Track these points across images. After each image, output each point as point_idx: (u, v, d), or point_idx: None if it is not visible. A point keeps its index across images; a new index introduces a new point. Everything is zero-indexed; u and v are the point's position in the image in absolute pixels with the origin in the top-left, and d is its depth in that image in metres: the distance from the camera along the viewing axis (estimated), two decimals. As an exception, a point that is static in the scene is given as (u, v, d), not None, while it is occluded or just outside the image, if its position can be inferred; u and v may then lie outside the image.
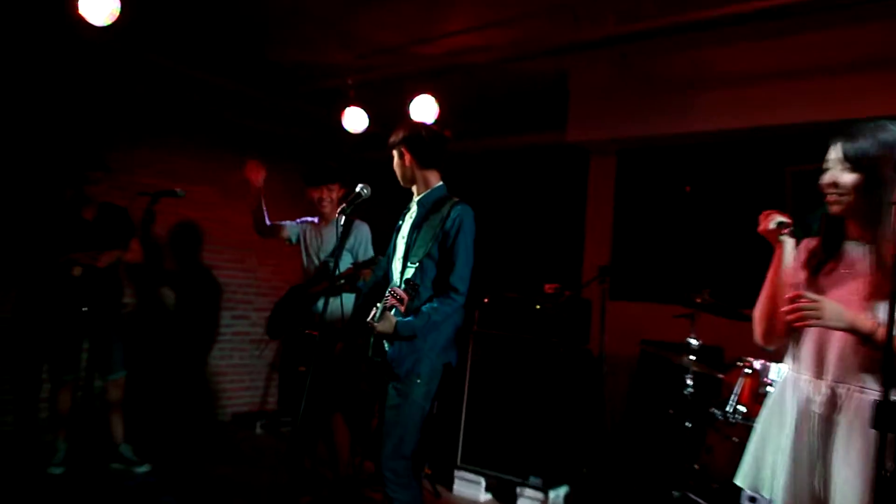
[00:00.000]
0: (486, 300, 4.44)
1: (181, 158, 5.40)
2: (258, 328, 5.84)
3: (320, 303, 3.63)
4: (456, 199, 2.66)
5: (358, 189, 2.67)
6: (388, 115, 4.88)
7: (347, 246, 3.69)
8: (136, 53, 4.72)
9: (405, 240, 2.72)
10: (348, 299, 3.60)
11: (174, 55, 4.88)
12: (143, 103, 5.12)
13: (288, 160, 5.92)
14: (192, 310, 5.41)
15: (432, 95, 4.82)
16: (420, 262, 2.56)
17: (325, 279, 3.61)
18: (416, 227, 2.68)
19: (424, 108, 4.81)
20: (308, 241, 3.95)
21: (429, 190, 2.74)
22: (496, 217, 5.67)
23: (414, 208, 2.76)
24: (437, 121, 4.71)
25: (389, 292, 2.42)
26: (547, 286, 4.52)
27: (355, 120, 5.15)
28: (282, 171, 5.18)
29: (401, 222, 2.80)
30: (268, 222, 3.97)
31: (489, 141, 5.86)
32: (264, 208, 3.94)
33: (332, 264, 3.65)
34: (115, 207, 4.22)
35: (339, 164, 3.94)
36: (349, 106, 5.11)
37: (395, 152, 2.75)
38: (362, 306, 2.78)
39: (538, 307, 4.28)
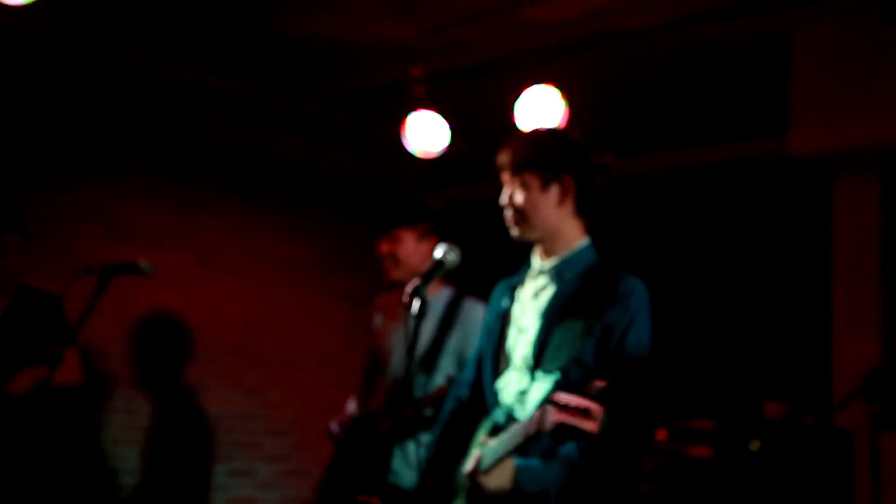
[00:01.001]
0: (660, 434, 4.65)
1: (146, 208, 5.50)
2: (272, 493, 5.85)
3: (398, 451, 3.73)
4: (621, 270, 2.64)
5: (439, 254, 2.69)
6: (477, 125, 5.14)
7: (450, 347, 3.70)
8: (76, 45, 4.99)
9: (528, 334, 2.65)
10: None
11: (134, 43, 5.14)
12: (86, 122, 5.29)
13: (313, 207, 6.06)
14: (162, 464, 5.32)
15: (554, 87, 4.79)
16: (564, 371, 2.52)
17: (402, 405, 3.67)
18: (552, 313, 2.62)
19: (542, 109, 4.79)
20: (381, 338, 3.98)
21: (571, 251, 2.69)
22: (669, 287, 5.36)
23: (539, 281, 2.71)
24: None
25: (546, 407, 2.31)
26: (769, 407, 4.56)
27: (427, 134, 5.14)
28: (306, 230, 5.18)
29: (507, 303, 2.77)
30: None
31: (645, 161, 5.89)
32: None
33: (408, 377, 3.63)
34: (39, 295, 4.32)
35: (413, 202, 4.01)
36: (415, 110, 5.13)
37: (532, 178, 2.68)
38: (441, 453, 2.83)
39: (754, 445, 4.32)
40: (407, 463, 3.59)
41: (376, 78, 5.43)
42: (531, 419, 2.40)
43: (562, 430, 2.32)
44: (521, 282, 2.77)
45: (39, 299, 4.31)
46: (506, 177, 2.72)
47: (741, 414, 4.74)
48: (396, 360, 3.87)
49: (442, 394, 3.54)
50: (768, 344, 5.59)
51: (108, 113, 5.39)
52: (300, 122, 5.91)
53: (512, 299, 2.77)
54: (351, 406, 4.03)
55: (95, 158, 5.37)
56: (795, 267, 5.62)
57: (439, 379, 3.66)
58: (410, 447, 3.59)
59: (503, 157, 2.71)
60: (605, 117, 5.32)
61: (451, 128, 5.15)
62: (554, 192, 2.65)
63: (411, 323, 2.63)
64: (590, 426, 2.26)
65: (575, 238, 2.70)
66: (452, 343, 3.73)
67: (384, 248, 3.80)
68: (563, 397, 2.29)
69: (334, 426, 3.93)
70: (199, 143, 5.75)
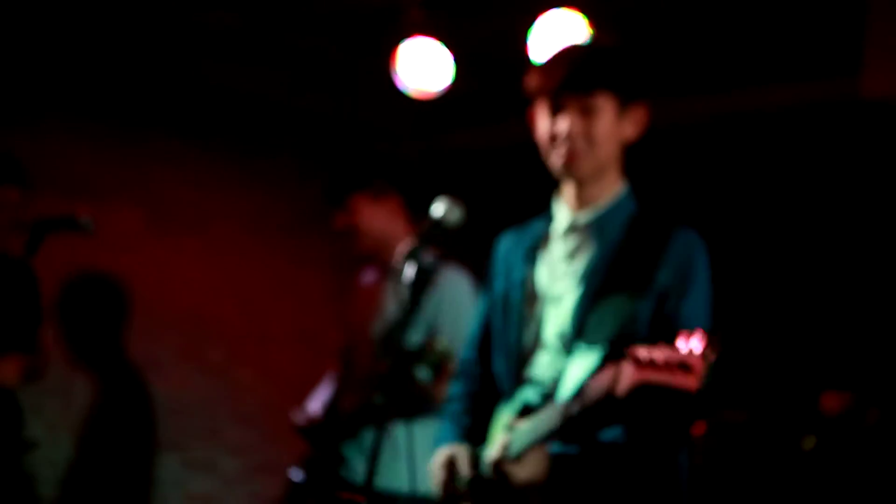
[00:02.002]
0: (699, 427, 4.66)
1: (85, 154, 5.29)
2: (236, 490, 5.72)
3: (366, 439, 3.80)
4: (672, 223, 2.63)
5: (436, 212, 2.68)
6: (483, 60, 4.99)
7: (420, 319, 3.74)
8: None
9: (564, 304, 2.61)
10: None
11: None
12: (17, 55, 5.08)
13: (287, 156, 5.97)
14: (105, 455, 5.19)
15: (577, 12, 4.65)
16: (613, 344, 2.46)
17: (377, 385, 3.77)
18: (595, 277, 2.57)
19: (561, 40, 4.48)
20: (356, 317, 4.13)
21: (611, 201, 2.63)
22: (716, 248, 5.38)
23: (572, 240, 2.64)
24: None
25: (621, 365, 2.23)
26: (827, 398, 4.60)
27: (426, 68, 4.97)
28: (278, 182, 5.18)
29: (527, 269, 2.71)
30: None
31: (686, 103, 5.59)
32: None
33: (388, 352, 3.80)
34: (8, 262, 4.22)
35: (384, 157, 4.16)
36: (411, 36, 4.92)
37: (604, 100, 2.55)
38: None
39: (809, 443, 4.46)
40: (394, 456, 3.59)
41: (363, 1, 5.15)
42: (590, 386, 2.30)
43: (642, 394, 2.20)
44: (543, 241, 2.69)
45: (10, 268, 4.18)
46: (563, 101, 2.54)
47: (792, 406, 4.76)
48: (374, 337, 3.95)
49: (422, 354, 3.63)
50: (827, 321, 5.39)
51: (41, 45, 5.14)
52: (272, 55, 5.60)
53: (533, 263, 2.69)
54: (323, 394, 4.11)
55: (24, 98, 5.12)
56: (866, 228, 5.40)
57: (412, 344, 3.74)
58: (400, 432, 3.63)
59: (557, 74, 2.54)
60: (643, 51, 5.08)
61: (454, 61, 4.97)
62: (630, 120, 2.56)
63: (404, 291, 2.67)
64: (688, 382, 2.09)
65: (615, 183, 2.63)
66: (423, 315, 3.73)
67: (340, 221, 3.91)
68: (644, 351, 2.16)
69: (300, 417, 4.00)
70: (150, 79, 5.51)
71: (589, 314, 2.53)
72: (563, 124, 2.50)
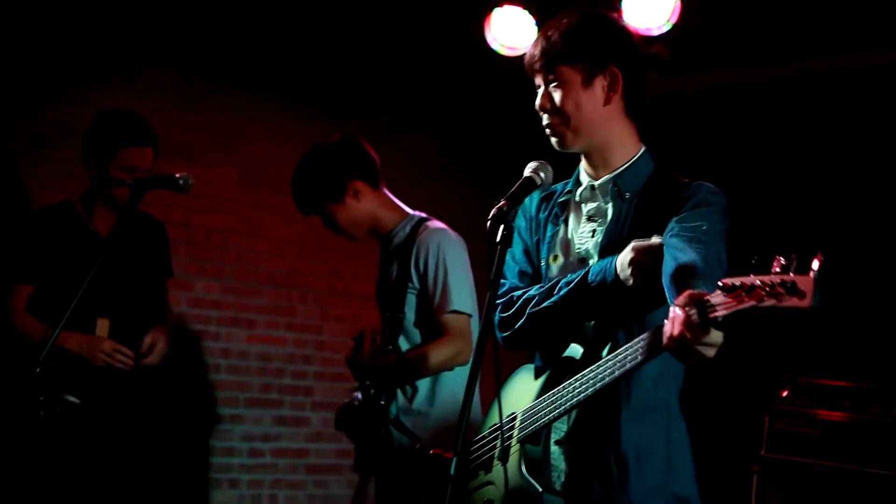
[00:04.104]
0: (783, 390, 4.60)
1: (178, 114, 5.30)
2: (324, 446, 5.76)
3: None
4: (685, 179, 2.62)
5: (528, 173, 2.57)
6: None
7: (412, 285, 3.76)
8: None
9: (591, 261, 2.62)
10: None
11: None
12: (107, 10, 5.09)
13: (381, 115, 5.92)
14: (196, 409, 5.25)
15: None
16: None
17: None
18: (614, 237, 2.60)
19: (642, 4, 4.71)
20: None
21: (628, 163, 2.67)
22: (797, 211, 5.52)
23: (592, 202, 2.69)
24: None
25: (707, 296, 2.15)
26: None
27: (511, 29, 5.00)
28: (370, 142, 4.62)
29: (556, 227, 2.75)
30: None
31: (746, 72, 5.62)
32: None
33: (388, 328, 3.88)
34: (148, 220, 4.32)
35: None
36: (500, 6, 5.00)
37: (573, 73, 2.64)
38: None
39: None
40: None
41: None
42: (679, 317, 2.12)
43: (739, 319, 2.10)
44: (567, 205, 2.73)
45: (149, 227, 4.27)
46: (539, 78, 2.64)
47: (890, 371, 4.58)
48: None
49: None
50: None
51: (139, 6, 5.16)
52: (362, 12, 5.54)
53: (557, 225, 2.73)
54: None
55: (118, 55, 5.17)
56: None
57: (410, 315, 3.73)
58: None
59: (531, 54, 2.63)
60: (725, 15, 5.07)
61: (537, 24, 4.95)
62: (599, 87, 2.59)
63: (492, 253, 2.49)
64: (800, 303, 1.98)
65: (629, 146, 2.66)
66: (419, 269, 3.73)
67: (324, 222, 3.88)
68: (730, 280, 2.07)
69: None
70: (244, 37, 5.50)
71: None
72: (539, 101, 2.60)
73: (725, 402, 4.82)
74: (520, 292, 2.70)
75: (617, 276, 2.46)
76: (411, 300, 3.62)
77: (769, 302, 2.04)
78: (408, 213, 3.77)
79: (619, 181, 2.64)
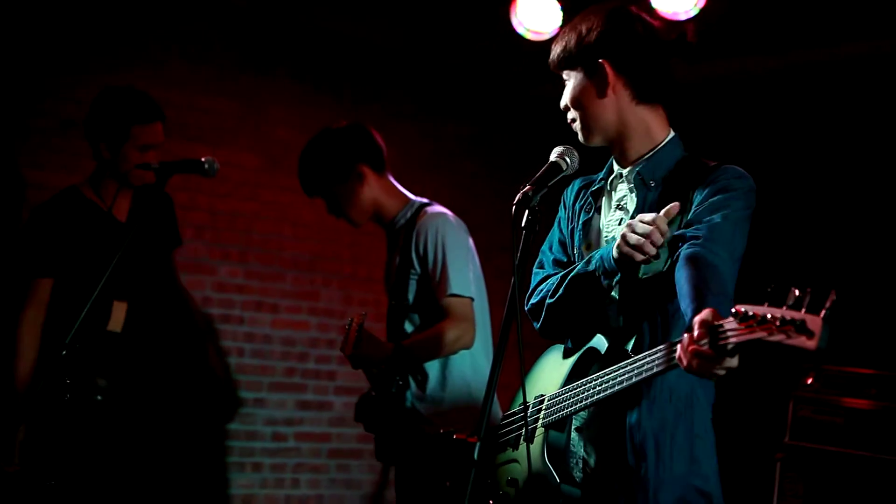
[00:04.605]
0: (808, 377, 4.60)
1: (204, 97, 5.34)
2: (346, 430, 5.73)
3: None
4: (712, 163, 2.59)
5: (554, 157, 2.57)
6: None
7: (414, 271, 3.75)
8: None
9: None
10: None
11: None
12: None
13: (403, 101, 5.93)
14: (210, 393, 5.06)
15: None
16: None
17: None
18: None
19: None
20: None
21: (652, 150, 2.64)
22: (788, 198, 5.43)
23: (620, 190, 2.68)
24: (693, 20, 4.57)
25: (722, 322, 2.12)
26: None
27: (537, 14, 4.97)
28: (394, 127, 5.05)
29: (589, 213, 2.74)
30: None
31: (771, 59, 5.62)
32: None
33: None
34: (158, 195, 4.14)
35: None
36: None
37: (575, 73, 2.68)
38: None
39: None
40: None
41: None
42: (698, 334, 2.09)
43: (749, 350, 2.10)
44: (600, 189, 2.72)
45: (159, 203, 4.17)
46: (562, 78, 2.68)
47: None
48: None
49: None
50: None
51: None
52: (386, 1, 5.57)
53: (590, 213, 2.72)
54: None
55: (144, 37, 5.17)
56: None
57: (412, 300, 3.74)
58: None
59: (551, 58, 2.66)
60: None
61: (562, 9, 4.92)
62: (594, 82, 2.59)
63: (517, 238, 2.45)
64: (807, 343, 1.96)
65: (653, 133, 2.62)
66: (420, 256, 3.72)
67: (327, 205, 3.88)
68: (745, 307, 2.04)
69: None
70: (267, 22, 5.51)
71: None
72: (561, 101, 2.65)
73: (750, 388, 4.72)
74: (547, 280, 2.72)
75: (615, 258, 2.45)
76: (413, 285, 3.62)
77: (777, 337, 2.03)
78: (410, 200, 3.74)
79: (643, 170, 2.63)
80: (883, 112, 5.65)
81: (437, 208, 3.82)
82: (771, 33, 5.49)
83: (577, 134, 2.67)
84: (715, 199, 2.47)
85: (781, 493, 4.51)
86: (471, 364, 3.55)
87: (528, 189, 2.42)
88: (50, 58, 4.86)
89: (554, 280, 2.66)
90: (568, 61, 2.64)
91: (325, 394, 5.78)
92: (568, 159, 2.53)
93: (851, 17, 5.35)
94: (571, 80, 2.67)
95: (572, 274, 2.52)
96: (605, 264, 2.46)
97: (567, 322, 2.65)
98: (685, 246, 2.38)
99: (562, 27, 2.71)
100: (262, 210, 5.46)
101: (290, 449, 5.59)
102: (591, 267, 2.51)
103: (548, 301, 2.64)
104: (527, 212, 2.39)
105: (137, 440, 4.18)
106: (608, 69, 2.57)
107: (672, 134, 2.65)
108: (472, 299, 3.50)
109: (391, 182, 3.79)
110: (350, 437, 5.63)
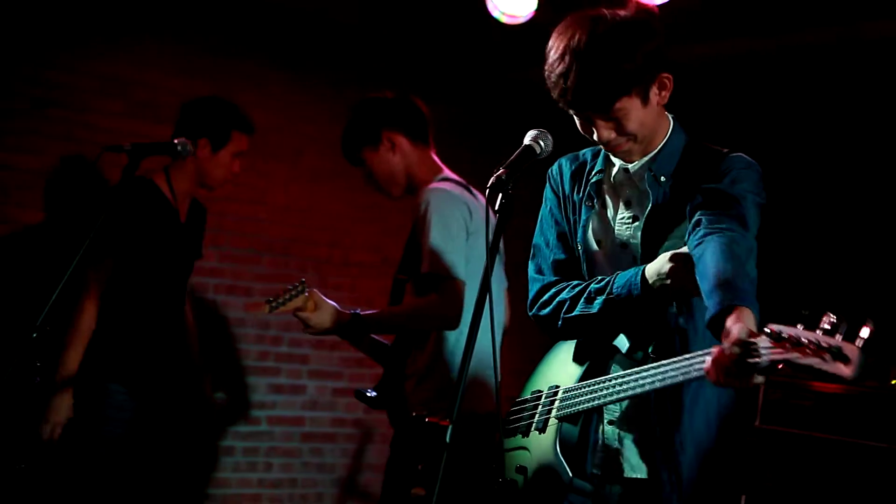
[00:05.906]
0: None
1: (175, 80, 5.26)
2: (320, 413, 5.80)
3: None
4: (724, 150, 2.60)
5: (528, 141, 2.57)
6: None
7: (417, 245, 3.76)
8: None
9: (628, 251, 2.63)
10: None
11: None
12: None
13: (378, 82, 5.40)
14: (186, 380, 4.92)
15: None
16: None
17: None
18: (656, 225, 2.58)
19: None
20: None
21: (662, 143, 2.63)
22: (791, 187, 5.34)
23: (629, 187, 2.66)
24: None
25: (756, 341, 2.08)
26: None
27: None
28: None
29: (593, 204, 2.71)
30: None
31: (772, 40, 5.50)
32: None
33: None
34: (197, 205, 4.44)
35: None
36: None
37: (628, 98, 2.54)
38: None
39: None
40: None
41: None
42: (731, 352, 2.06)
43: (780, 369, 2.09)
44: (601, 187, 2.68)
45: (197, 210, 4.36)
46: (588, 116, 2.53)
47: (882, 338, 4.45)
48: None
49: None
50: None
51: None
52: None
53: (592, 209, 2.68)
54: None
55: (116, 19, 5.12)
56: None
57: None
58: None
59: (570, 96, 2.46)
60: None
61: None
62: (655, 98, 2.53)
63: (493, 223, 2.47)
64: (844, 370, 1.95)
65: (663, 123, 2.62)
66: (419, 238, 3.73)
67: (364, 176, 3.90)
68: (778, 327, 2.02)
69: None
70: (241, 4, 5.48)
71: (655, 246, 2.54)
72: (602, 135, 2.51)
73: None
74: (555, 290, 2.67)
75: (644, 287, 2.43)
76: (416, 260, 3.64)
77: (811, 360, 2.01)
78: (443, 174, 3.77)
79: (653, 165, 2.61)
80: (871, 100, 5.57)
81: (440, 184, 3.79)
82: (762, 15, 5.35)
83: (619, 154, 2.59)
84: (728, 187, 2.45)
85: (751, 476, 4.49)
86: (459, 349, 3.52)
87: (502, 172, 2.39)
88: (20, 39, 4.82)
89: (568, 294, 2.63)
90: (621, 90, 2.49)
91: (298, 377, 5.77)
92: (542, 143, 2.50)
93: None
94: (625, 109, 2.54)
95: (602, 298, 2.52)
96: (633, 290, 2.46)
97: (588, 335, 2.64)
98: (705, 237, 2.35)
99: (560, 60, 2.50)
100: (237, 192, 5.38)
101: (262, 433, 5.58)
102: (617, 292, 2.49)
103: (564, 315, 2.62)
104: (501, 195, 2.37)
105: (108, 422, 4.15)
106: (669, 81, 2.52)
107: (672, 121, 2.64)
108: (449, 278, 3.48)
109: (429, 155, 3.77)
110: (323, 420, 5.64)
